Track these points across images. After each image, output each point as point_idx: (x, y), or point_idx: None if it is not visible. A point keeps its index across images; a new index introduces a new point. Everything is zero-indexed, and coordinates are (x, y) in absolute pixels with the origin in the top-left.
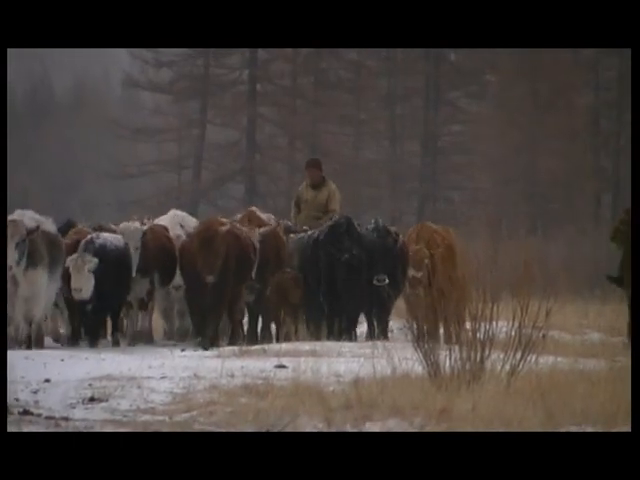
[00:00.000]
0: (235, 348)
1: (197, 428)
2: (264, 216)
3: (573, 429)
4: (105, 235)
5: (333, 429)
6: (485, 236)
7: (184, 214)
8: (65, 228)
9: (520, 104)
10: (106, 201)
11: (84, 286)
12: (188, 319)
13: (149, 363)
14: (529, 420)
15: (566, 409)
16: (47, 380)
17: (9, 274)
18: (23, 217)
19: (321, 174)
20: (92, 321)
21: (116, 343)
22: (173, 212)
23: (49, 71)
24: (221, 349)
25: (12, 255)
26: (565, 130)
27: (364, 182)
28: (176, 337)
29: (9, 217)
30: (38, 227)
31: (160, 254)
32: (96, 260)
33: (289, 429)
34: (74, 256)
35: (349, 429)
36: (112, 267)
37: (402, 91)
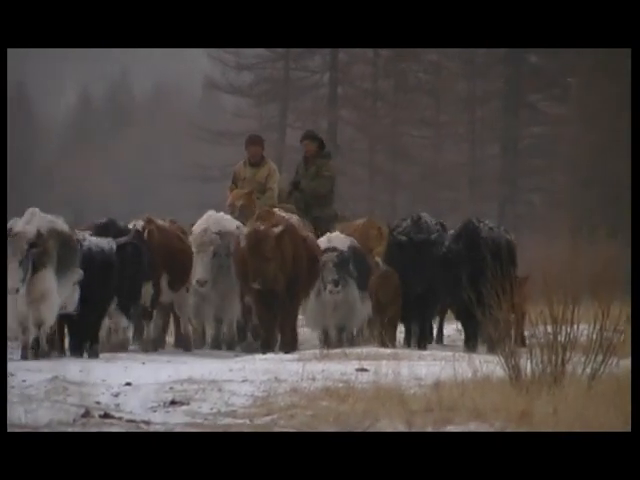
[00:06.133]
0: (316, 351)
1: (277, 431)
2: (285, 215)
3: None
4: (89, 237)
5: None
6: (566, 239)
7: (219, 215)
8: (105, 228)
9: (601, 106)
10: (188, 205)
11: (68, 299)
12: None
13: (230, 366)
14: (610, 423)
15: None
16: (128, 383)
17: (12, 294)
18: (26, 226)
19: (262, 152)
20: (79, 331)
21: (94, 355)
22: (208, 214)
23: (128, 73)
24: (301, 352)
25: (15, 275)
26: None
27: (444, 185)
28: (209, 344)
29: (10, 224)
30: (42, 236)
31: (168, 255)
32: (81, 272)
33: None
34: None
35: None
36: (98, 274)
37: (482, 93)
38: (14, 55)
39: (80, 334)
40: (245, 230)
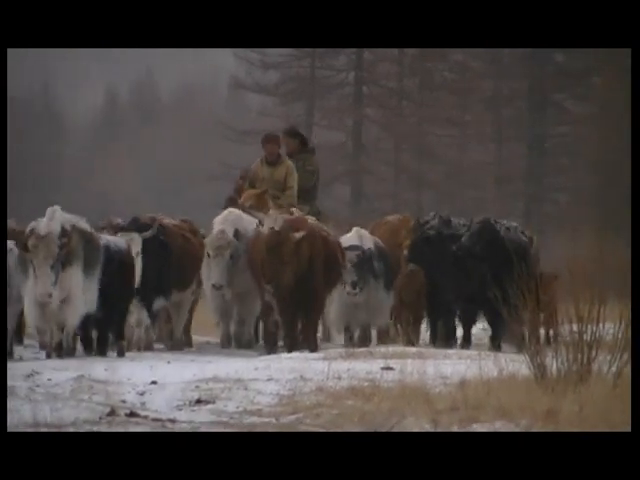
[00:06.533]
0: (342, 350)
1: (303, 430)
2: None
3: None
4: (106, 237)
5: (439, 431)
6: (591, 238)
7: (238, 213)
8: (131, 226)
9: (626, 105)
10: (213, 204)
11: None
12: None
13: (255, 365)
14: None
15: None
16: (154, 382)
17: (45, 300)
18: (50, 223)
19: (278, 150)
20: (99, 330)
21: (121, 353)
22: (229, 210)
23: (154, 73)
24: (327, 351)
25: (47, 279)
26: None
27: (469, 184)
28: (234, 344)
29: (31, 225)
30: (69, 237)
31: (176, 257)
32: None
33: (395, 431)
34: None
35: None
36: (117, 271)
37: (507, 93)
38: (40, 56)
39: (103, 332)
40: (265, 228)
